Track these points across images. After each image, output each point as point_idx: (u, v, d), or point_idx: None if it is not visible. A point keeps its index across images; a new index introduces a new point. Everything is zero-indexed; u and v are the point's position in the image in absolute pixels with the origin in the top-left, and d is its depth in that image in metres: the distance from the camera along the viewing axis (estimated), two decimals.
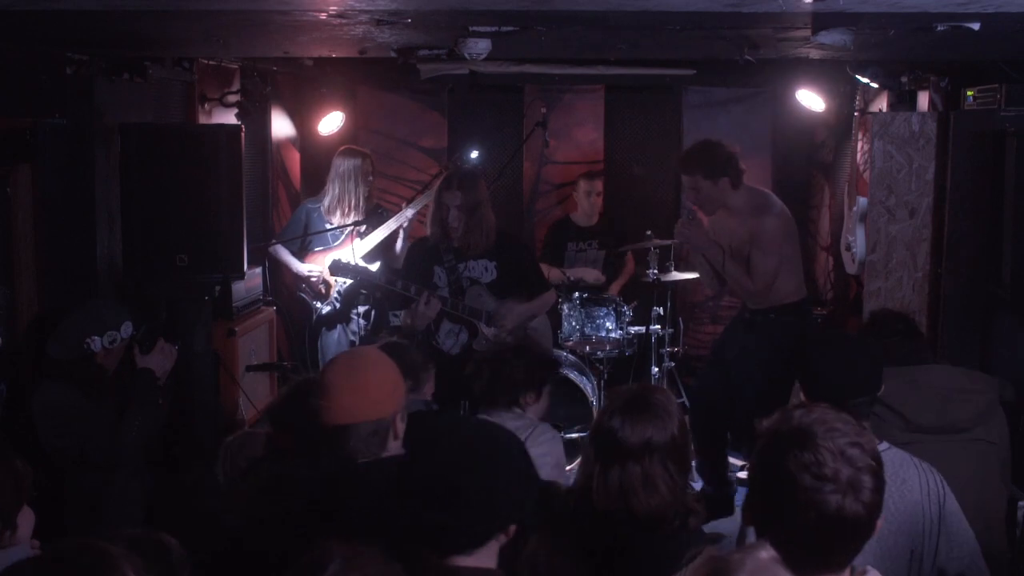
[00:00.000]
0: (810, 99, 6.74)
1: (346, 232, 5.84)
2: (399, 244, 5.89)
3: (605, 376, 6.25)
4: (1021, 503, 3.68)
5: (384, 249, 5.90)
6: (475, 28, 3.45)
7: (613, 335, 6.22)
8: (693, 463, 4.87)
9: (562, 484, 2.83)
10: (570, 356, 6.27)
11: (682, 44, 4.17)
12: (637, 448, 2.32)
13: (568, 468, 5.50)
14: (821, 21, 3.24)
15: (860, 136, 5.90)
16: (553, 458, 3.41)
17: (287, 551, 2.04)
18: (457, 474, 2.02)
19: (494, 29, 3.44)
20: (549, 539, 2.48)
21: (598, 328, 6.24)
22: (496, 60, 5.28)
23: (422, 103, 7.37)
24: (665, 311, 6.43)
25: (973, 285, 5.01)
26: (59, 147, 4.31)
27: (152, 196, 4.62)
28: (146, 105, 4.96)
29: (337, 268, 5.17)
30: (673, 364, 6.58)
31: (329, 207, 5.91)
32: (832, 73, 5.95)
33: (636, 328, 6.37)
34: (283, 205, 6.85)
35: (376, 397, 2.69)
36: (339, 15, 3.12)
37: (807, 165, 7.52)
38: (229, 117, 5.62)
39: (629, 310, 6.29)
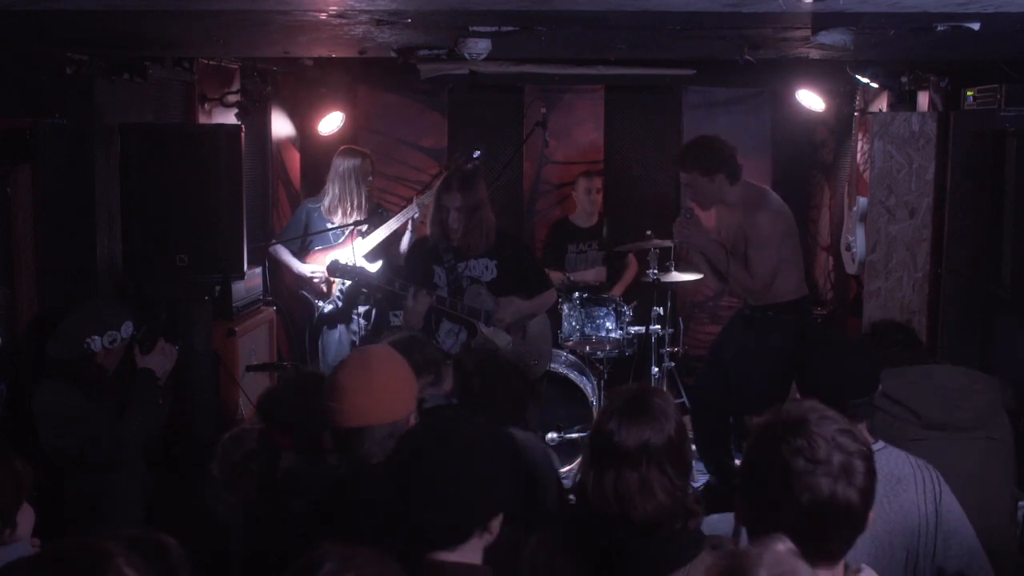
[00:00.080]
0: (810, 99, 6.74)
1: (347, 231, 5.84)
2: (406, 238, 5.88)
3: (605, 376, 6.25)
4: (1022, 503, 3.68)
5: (386, 248, 5.90)
6: (475, 28, 3.45)
7: (613, 335, 6.22)
8: (695, 461, 4.87)
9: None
10: (570, 356, 6.27)
11: (682, 44, 4.17)
12: (633, 452, 2.30)
13: (566, 469, 5.54)
14: (821, 21, 3.24)
15: (860, 136, 5.89)
16: None
17: (287, 551, 2.04)
18: (437, 467, 2.05)
19: (494, 29, 3.44)
20: (548, 540, 2.48)
21: (598, 328, 6.24)
22: (496, 60, 5.28)
23: (422, 103, 7.37)
24: (665, 311, 6.43)
25: (973, 285, 5.01)
26: (59, 147, 4.31)
27: (152, 196, 4.61)
28: (146, 105, 4.96)
29: (335, 269, 5.17)
30: (673, 364, 6.58)
31: (330, 207, 5.90)
32: (832, 73, 5.95)
33: (636, 328, 6.37)
34: (283, 205, 6.85)
35: (391, 399, 2.68)
36: (339, 15, 3.12)
37: (807, 165, 7.52)
38: (229, 117, 5.62)
39: (629, 310, 6.29)
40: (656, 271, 6.25)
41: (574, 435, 5.81)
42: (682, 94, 7.38)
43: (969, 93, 4.95)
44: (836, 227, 6.75)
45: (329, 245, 5.90)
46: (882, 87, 5.68)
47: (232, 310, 5.32)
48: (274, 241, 6.00)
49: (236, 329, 5.37)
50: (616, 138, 7.51)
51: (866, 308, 5.31)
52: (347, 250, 5.68)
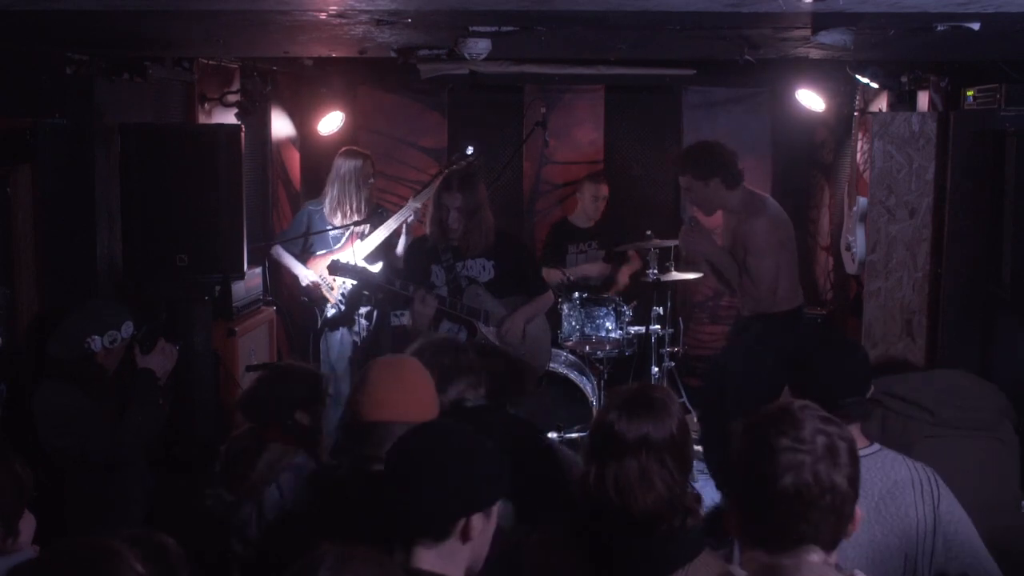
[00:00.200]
0: (810, 99, 6.74)
1: (347, 234, 5.84)
2: (401, 241, 5.89)
3: (605, 376, 6.25)
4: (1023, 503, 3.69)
5: (386, 249, 5.90)
6: (475, 28, 3.45)
7: (613, 335, 6.22)
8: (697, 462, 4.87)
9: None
10: (570, 356, 6.27)
11: (682, 44, 4.17)
12: (634, 443, 2.32)
13: None
14: (821, 21, 3.24)
15: (860, 136, 5.89)
16: None
17: (287, 550, 2.05)
18: (417, 458, 2.09)
19: (494, 29, 3.44)
20: (549, 538, 2.48)
21: (598, 328, 6.24)
22: (496, 60, 5.28)
23: (422, 103, 7.37)
24: (665, 311, 6.44)
25: (973, 285, 5.01)
26: (59, 147, 4.31)
27: (152, 196, 4.61)
28: (146, 105, 4.96)
29: (336, 268, 5.17)
30: (673, 364, 6.58)
31: (330, 209, 5.90)
32: (832, 73, 5.95)
33: (636, 328, 6.37)
34: (283, 205, 6.85)
35: (418, 400, 2.73)
36: (339, 15, 3.12)
37: (807, 165, 7.52)
38: (229, 117, 5.62)
39: (629, 310, 6.30)
40: (656, 271, 6.26)
41: (574, 435, 5.81)
42: (682, 94, 7.38)
43: (969, 93, 4.95)
44: (836, 227, 6.75)
45: (330, 249, 5.90)
46: (882, 87, 5.68)
47: (232, 310, 5.32)
48: (275, 242, 6.00)
49: (236, 329, 5.36)
50: (616, 138, 7.51)
51: (866, 308, 5.30)
52: (347, 253, 5.68)
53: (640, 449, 2.31)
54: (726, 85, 7.22)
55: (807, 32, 3.45)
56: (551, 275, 6.28)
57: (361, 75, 6.98)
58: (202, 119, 5.42)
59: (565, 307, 6.25)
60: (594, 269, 6.75)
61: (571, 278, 6.49)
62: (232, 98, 5.67)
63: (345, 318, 5.92)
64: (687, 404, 6.20)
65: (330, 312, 5.90)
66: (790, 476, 1.83)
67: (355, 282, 5.51)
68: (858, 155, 5.92)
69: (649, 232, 6.31)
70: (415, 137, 7.38)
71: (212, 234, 4.66)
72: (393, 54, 4.23)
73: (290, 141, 7.02)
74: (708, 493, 5.15)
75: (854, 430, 2.65)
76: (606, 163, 7.44)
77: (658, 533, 2.29)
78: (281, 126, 6.80)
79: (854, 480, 1.89)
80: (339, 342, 5.93)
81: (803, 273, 6.95)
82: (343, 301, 5.86)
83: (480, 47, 3.61)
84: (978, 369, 4.60)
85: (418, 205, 5.79)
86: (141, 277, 4.70)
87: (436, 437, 2.19)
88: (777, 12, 2.91)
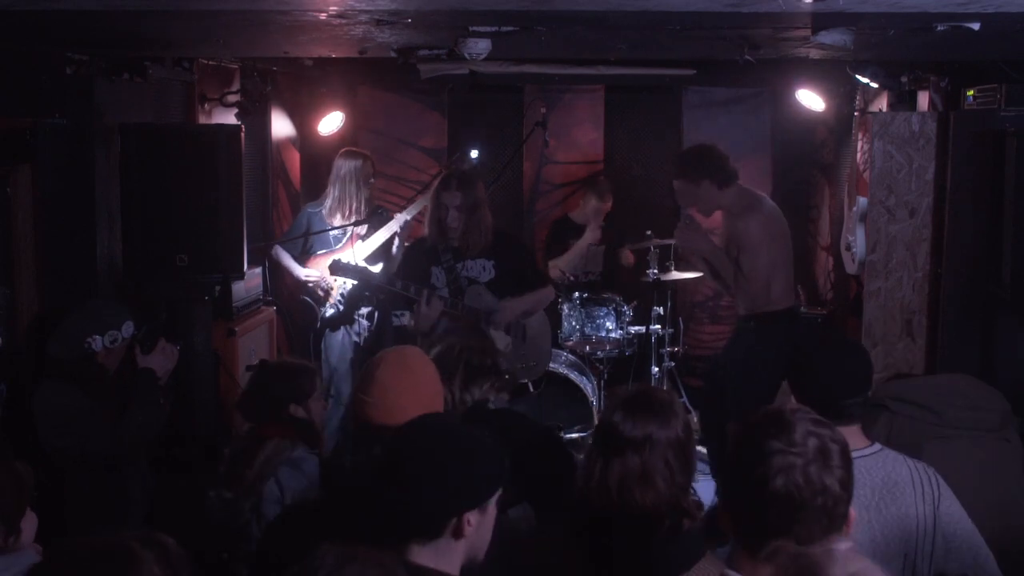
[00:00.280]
0: (810, 99, 6.74)
1: (347, 235, 5.84)
2: (394, 250, 5.88)
3: (605, 376, 6.26)
4: None
5: (385, 251, 5.90)
6: (475, 28, 3.45)
7: (613, 335, 6.22)
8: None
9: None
10: (570, 356, 6.27)
11: (682, 44, 4.17)
12: (638, 441, 2.33)
13: None
14: (821, 21, 3.24)
15: (860, 136, 5.89)
16: None
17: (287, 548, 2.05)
18: (408, 455, 2.09)
19: (494, 29, 3.43)
20: (548, 540, 2.48)
21: (598, 328, 6.24)
22: (496, 60, 5.27)
23: (422, 103, 7.37)
24: (665, 311, 6.44)
25: (973, 285, 5.01)
26: (59, 147, 4.31)
27: (152, 196, 4.61)
28: (146, 105, 4.96)
29: (337, 268, 5.17)
30: (673, 364, 6.58)
31: (330, 210, 5.90)
32: (832, 73, 5.95)
33: (636, 328, 6.37)
34: (283, 205, 6.85)
35: (427, 397, 2.73)
36: (339, 15, 3.12)
37: (807, 165, 7.52)
38: (229, 117, 5.61)
39: (629, 310, 6.30)
40: (656, 271, 6.26)
41: (574, 435, 5.81)
42: (682, 94, 7.38)
43: (969, 93, 4.95)
44: (836, 227, 6.75)
45: (330, 249, 5.90)
46: (882, 87, 5.68)
47: (232, 310, 5.32)
48: (275, 243, 6.00)
49: (236, 329, 5.36)
50: (616, 138, 7.51)
51: (866, 308, 5.30)
52: (347, 254, 5.68)
53: (644, 447, 2.32)
54: (726, 85, 7.22)
55: (807, 32, 3.45)
56: (552, 272, 6.29)
57: (361, 75, 6.98)
58: (202, 119, 5.42)
59: (565, 307, 6.25)
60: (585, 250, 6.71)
61: (572, 277, 6.49)
62: (232, 98, 5.67)
63: (345, 318, 5.92)
64: (687, 404, 6.19)
65: (329, 312, 5.90)
66: (781, 478, 1.85)
67: (355, 282, 5.51)
68: (858, 155, 5.92)
69: (649, 232, 6.31)
70: (415, 137, 7.37)
71: (212, 234, 4.66)
72: (393, 54, 4.23)
73: (290, 141, 7.02)
74: (709, 493, 5.17)
75: (855, 431, 2.65)
76: (606, 163, 7.44)
77: (657, 534, 2.29)
78: (281, 126, 6.80)
79: (846, 482, 1.90)
80: (340, 343, 5.93)
81: (803, 273, 6.97)
82: (342, 301, 5.86)
83: (480, 47, 3.61)
84: (978, 369, 4.60)
85: (409, 216, 5.80)
86: (141, 277, 4.70)
87: (434, 436, 2.17)
88: (777, 12, 2.91)
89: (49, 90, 4.25)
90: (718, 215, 5.34)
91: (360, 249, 5.77)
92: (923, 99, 5.49)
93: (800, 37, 3.63)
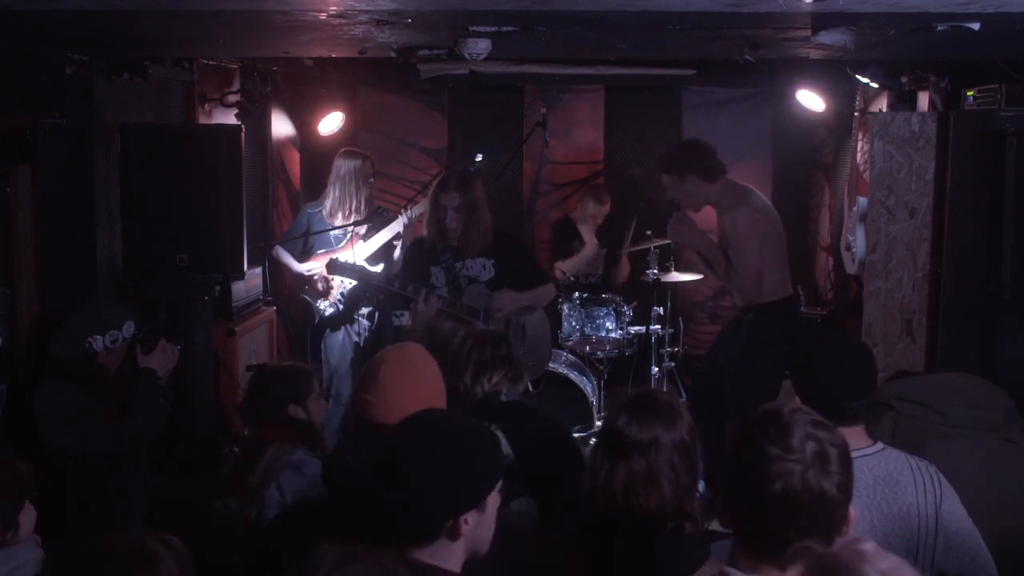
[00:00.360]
0: (810, 99, 6.74)
1: (348, 235, 5.83)
2: (396, 253, 5.88)
3: (605, 376, 6.26)
4: None
5: (386, 252, 5.89)
6: (475, 28, 3.45)
7: (613, 335, 6.22)
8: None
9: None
10: (570, 356, 6.27)
11: (682, 44, 4.17)
12: (644, 444, 2.32)
13: None
14: (821, 21, 3.24)
15: (860, 136, 5.90)
16: None
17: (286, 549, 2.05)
18: (405, 456, 2.06)
19: (494, 29, 3.44)
20: (550, 539, 2.48)
21: (598, 328, 6.24)
22: (496, 60, 5.28)
23: (422, 103, 7.37)
24: (665, 311, 6.44)
25: (973, 285, 5.01)
26: (59, 147, 4.31)
27: (152, 196, 4.62)
28: (146, 105, 4.96)
29: (334, 266, 5.17)
30: (673, 364, 6.58)
31: (330, 210, 5.89)
32: (832, 73, 5.95)
33: (636, 328, 6.37)
34: (283, 205, 6.85)
35: (429, 394, 2.72)
36: (339, 15, 3.12)
37: (807, 165, 7.52)
38: (229, 117, 5.62)
39: (629, 310, 6.30)
40: (656, 271, 6.26)
41: (574, 435, 5.81)
42: (682, 94, 7.38)
43: (969, 93, 4.95)
44: (836, 227, 6.75)
45: (330, 249, 5.89)
46: (882, 87, 5.68)
47: (232, 310, 5.32)
48: (275, 243, 6.00)
49: (236, 329, 5.37)
50: (616, 138, 7.51)
51: (866, 308, 5.30)
52: (348, 254, 5.68)
53: (650, 450, 2.32)
54: (726, 85, 7.22)
55: (807, 32, 3.45)
56: (555, 272, 6.30)
57: (361, 75, 6.98)
58: (202, 119, 5.42)
59: (565, 307, 6.25)
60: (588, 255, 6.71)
61: (572, 278, 6.49)
62: (232, 98, 5.68)
63: (345, 317, 5.92)
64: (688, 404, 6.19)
65: (328, 310, 5.90)
66: (779, 483, 1.84)
67: (355, 282, 5.51)
68: (858, 155, 5.93)
69: (649, 232, 6.31)
70: (415, 137, 7.37)
71: (212, 234, 4.66)
72: (393, 54, 4.23)
73: (290, 141, 7.02)
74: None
75: (858, 431, 2.65)
76: (606, 163, 7.44)
77: (661, 536, 2.29)
78: (281, 126, 6.80)
79: (845, 486, 1.89)
80: (340, 343, 5.93)
81: (803, 273, 6.98)
82: (342, 301, 5.86)
83: (480, 47, 3.61)
84: (978, 369, 4.60)
85: (409, 219, 5.80)
86: (141, 277, 4.70)
87: (434, 435, 2.13)
88: (777, 12, 2.91)
89: (49, 90, 4.26)
90: (713, 214, 5.33)
91: (361, 249, 5.77)
92: (923, 99, 5.49)
93: (800, 37, 3.63)
